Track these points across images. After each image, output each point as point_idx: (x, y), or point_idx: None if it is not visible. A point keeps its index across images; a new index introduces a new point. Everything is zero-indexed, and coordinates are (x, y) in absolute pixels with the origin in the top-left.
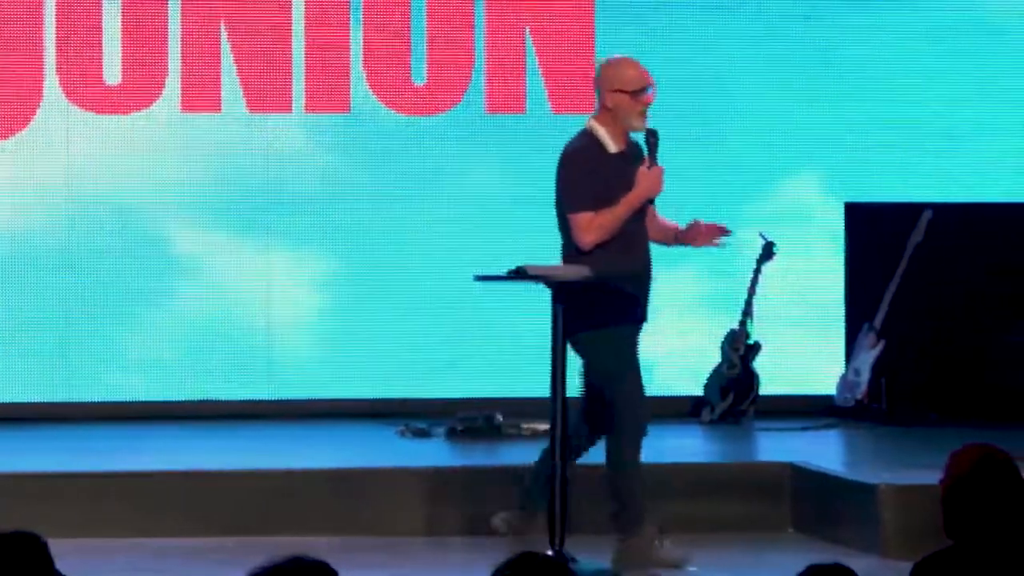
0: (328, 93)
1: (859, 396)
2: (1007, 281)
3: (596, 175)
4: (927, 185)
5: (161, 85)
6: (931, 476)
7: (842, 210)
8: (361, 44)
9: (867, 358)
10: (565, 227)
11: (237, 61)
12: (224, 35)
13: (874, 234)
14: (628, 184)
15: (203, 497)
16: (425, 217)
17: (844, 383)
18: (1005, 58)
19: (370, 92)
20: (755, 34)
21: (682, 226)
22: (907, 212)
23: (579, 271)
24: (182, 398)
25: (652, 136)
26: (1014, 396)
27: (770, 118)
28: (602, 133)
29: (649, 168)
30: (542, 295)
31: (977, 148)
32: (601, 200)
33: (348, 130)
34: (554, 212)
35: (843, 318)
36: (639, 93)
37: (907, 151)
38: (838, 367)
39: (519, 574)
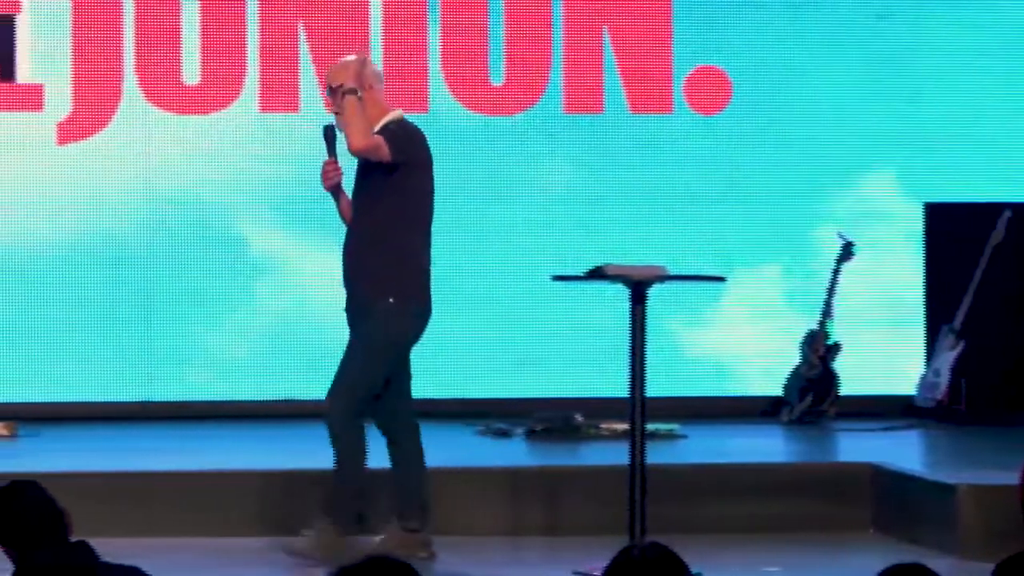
0: (405, 93)
1: (939, 397)
2: None
3: None
4: (1007, 185)
5: (240, 85)
6: (1011, 477)
7: (922, 210)
8: (439, 44)
9: (947, 359)
10: None
11: (316, 62)
12: (303, 36)
13: (953, 234)
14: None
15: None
16: (502, 216)
17: (924, 384)
18: None
19: (448, 92)
20: (832, 31)
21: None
22: (986, 212)
23: (657, 270)
24: (259, 398)
25: (327, 131)
26: None
27: (848, 116)
28: None
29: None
30: (621, 294)
31: None
32: None
33: (426, 129)
34: (628, 210)
35: (923, 318)
36: None
37: (987, 150)
38: (918, 367)
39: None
